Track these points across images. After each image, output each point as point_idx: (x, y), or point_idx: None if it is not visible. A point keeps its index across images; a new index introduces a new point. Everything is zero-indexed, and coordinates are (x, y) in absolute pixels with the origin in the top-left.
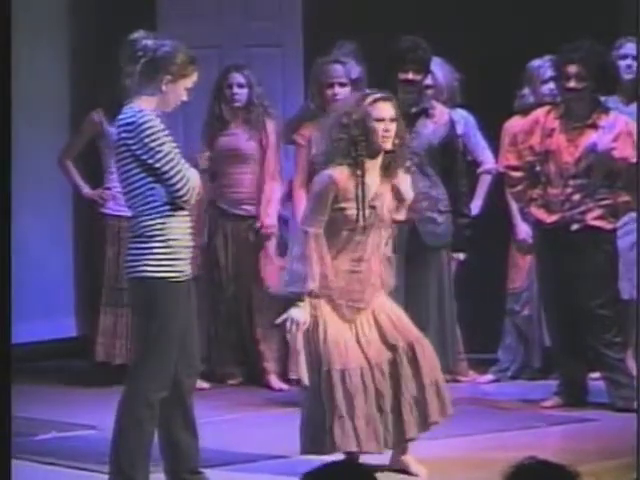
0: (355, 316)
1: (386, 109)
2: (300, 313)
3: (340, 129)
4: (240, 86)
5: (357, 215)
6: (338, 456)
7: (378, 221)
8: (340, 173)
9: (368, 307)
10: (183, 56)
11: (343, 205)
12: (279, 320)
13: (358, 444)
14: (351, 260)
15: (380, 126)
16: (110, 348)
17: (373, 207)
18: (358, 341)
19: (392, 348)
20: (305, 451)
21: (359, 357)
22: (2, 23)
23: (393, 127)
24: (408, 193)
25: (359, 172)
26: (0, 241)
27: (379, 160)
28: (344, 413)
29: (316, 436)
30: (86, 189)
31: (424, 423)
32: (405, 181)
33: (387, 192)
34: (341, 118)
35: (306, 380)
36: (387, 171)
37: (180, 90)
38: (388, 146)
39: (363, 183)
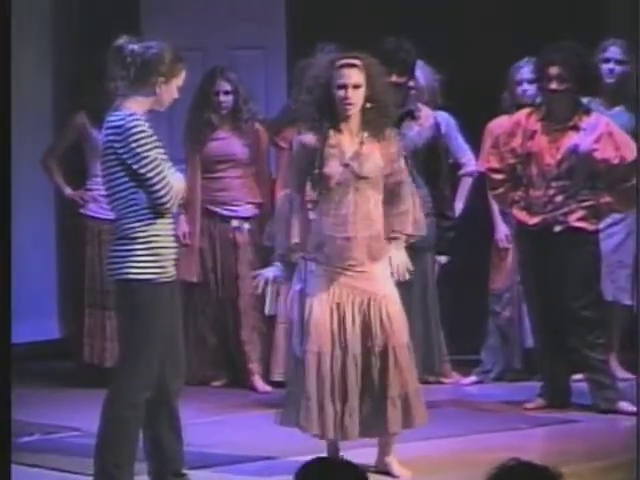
0: (348, 294)
1: (350, 75)
2: (271, 272)
3: (305, 92)
4: (226, 93)
5: (324, 172)
6: (308, 444)
7: (355, 180)
8: (308, 137)
9: (363, 278)
10: (171, 55)
11: (316, 165)
12: (254, 273)
13: (321, 429)
14: (336, 223)
15: (341, 93)
16: (95, 350)
17: (346, 165)
18: (342, 325)
19: (370, 344)
20: (280, 423)
21: (336, 343)
22: (2, 23)
23: (356, 94)
24: (392, 154)
25: (325, 132)
26: (1, 242)
27: (355, 122)
28: (312, 396)
29: (291, 412)
30: (67, 190)
31: (381, 429)
32: (390, 140)
33: (371, 152)
34: (308, 81)
35: (298, 351)
36: (370, 130)
37: (173, 89)
38: (350, 111)
39: (327, 140)
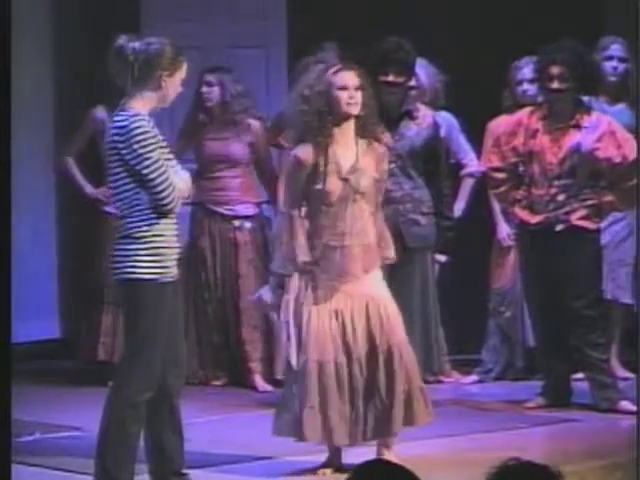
0: (346, 300)
1: (349, 77)
2: (268, 294)
3: (302, 101)
4: (209, 84)
5: (325, 188)
6: (309, 444)
7: (353, 193)
8: (305, 151)
9: (359, 285)
10: (172, 49)
11: (316, 180)
12: (252, 298)
13: (326, 436)
14: (333, 235)
15: (344, 94)
16: (109, 347)
17: (345, 179)
18: (343, 331)
19: (373, 346)
20: (277, 433)
21: (338, 349)
22: (2, 23)
23: (358, 95)
24: (381, 155)
25: (324, 144)
26: (1, 242)
27: (349, 131)
28: (315, 404)
29: (289, 421)
30: (89, 188)
31: (387, 430)
32: (381, 141)
33: (368, 165)
34: (303, 91)
35: (294, 361)
36: (365, 135)
37: (177, 83)
38: (354, 111)
39: (326, 154)
